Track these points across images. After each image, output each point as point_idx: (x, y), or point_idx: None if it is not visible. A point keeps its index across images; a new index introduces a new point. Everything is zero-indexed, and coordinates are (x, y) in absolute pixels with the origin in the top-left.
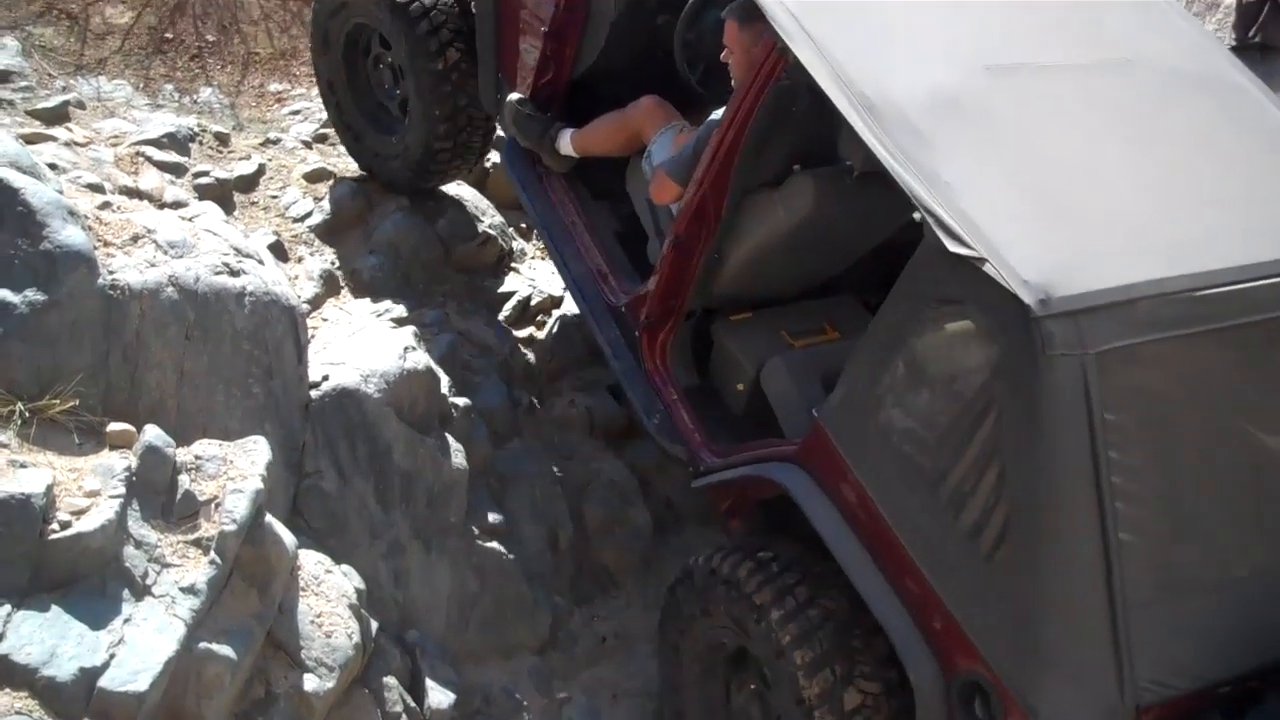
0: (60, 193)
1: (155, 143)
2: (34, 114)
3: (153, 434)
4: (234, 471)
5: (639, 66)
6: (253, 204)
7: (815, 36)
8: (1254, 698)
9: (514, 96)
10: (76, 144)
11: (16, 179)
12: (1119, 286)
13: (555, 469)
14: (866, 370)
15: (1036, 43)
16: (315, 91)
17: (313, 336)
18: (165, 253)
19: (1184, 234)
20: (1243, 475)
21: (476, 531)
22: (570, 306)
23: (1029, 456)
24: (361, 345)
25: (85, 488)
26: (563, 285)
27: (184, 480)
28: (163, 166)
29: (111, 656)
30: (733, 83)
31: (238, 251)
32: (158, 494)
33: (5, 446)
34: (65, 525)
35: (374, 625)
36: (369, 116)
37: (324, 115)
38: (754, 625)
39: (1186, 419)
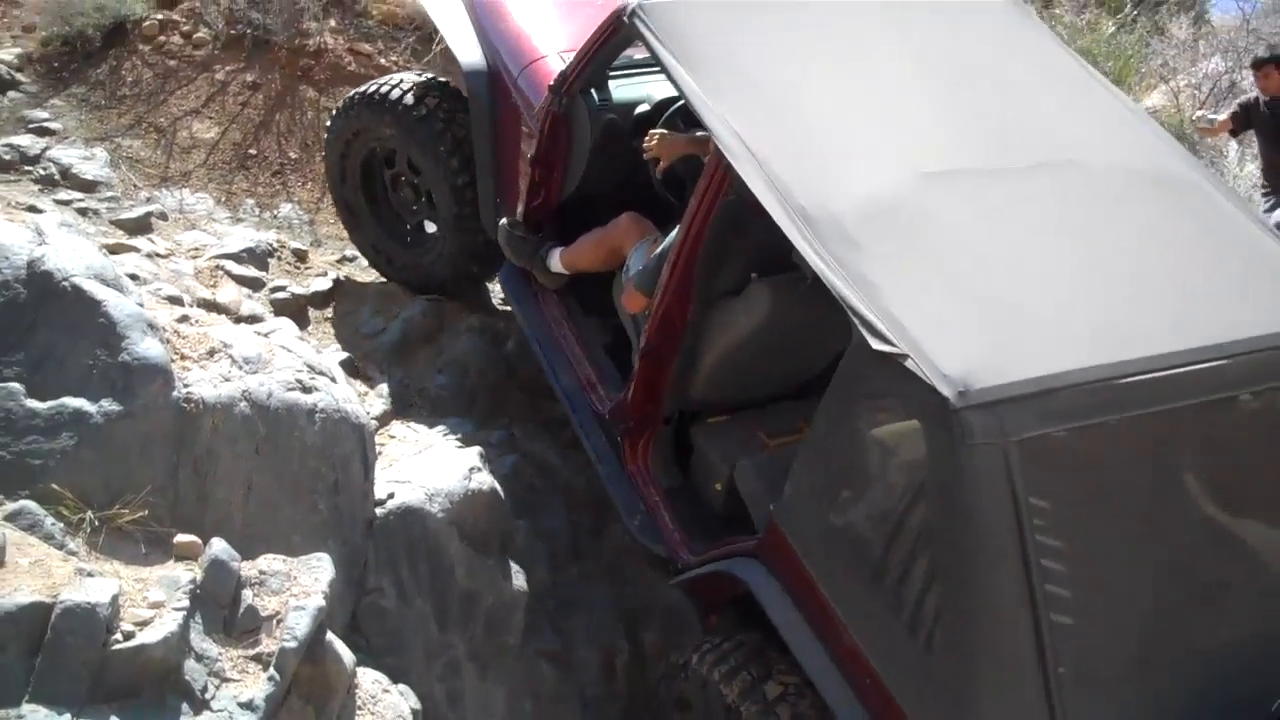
0: (141, 305)
1: (234, 257)
2: (118, 224)
3: (219, 547)
4: (297, 588)
5: (621, 185)
6: (326, 320)
7: (756, 153)
8: None
9: (505, 221)
10: (158, 255)
11: (100, 291)
12: (1038, 377)
13: (613, 594)
14: (810, 467)
15: (979, 147)
16: None
17: (380, 453)
18: (240, 367)
19: (1111, 325)
20: (1179, 554)
21: (533, 655)
22: None
23: (957, 544)
24: (427, 464)
25: (150, 598)
26: None
27: (247, 595)
28: (241, 280)
29: None
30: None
31: (311, 368)
32: (221, 607)
33: (74, 554)
34: (129, 636)
35: None
36: (394, 236)
37: None
38: (725, 717)
39: (1113, 502)
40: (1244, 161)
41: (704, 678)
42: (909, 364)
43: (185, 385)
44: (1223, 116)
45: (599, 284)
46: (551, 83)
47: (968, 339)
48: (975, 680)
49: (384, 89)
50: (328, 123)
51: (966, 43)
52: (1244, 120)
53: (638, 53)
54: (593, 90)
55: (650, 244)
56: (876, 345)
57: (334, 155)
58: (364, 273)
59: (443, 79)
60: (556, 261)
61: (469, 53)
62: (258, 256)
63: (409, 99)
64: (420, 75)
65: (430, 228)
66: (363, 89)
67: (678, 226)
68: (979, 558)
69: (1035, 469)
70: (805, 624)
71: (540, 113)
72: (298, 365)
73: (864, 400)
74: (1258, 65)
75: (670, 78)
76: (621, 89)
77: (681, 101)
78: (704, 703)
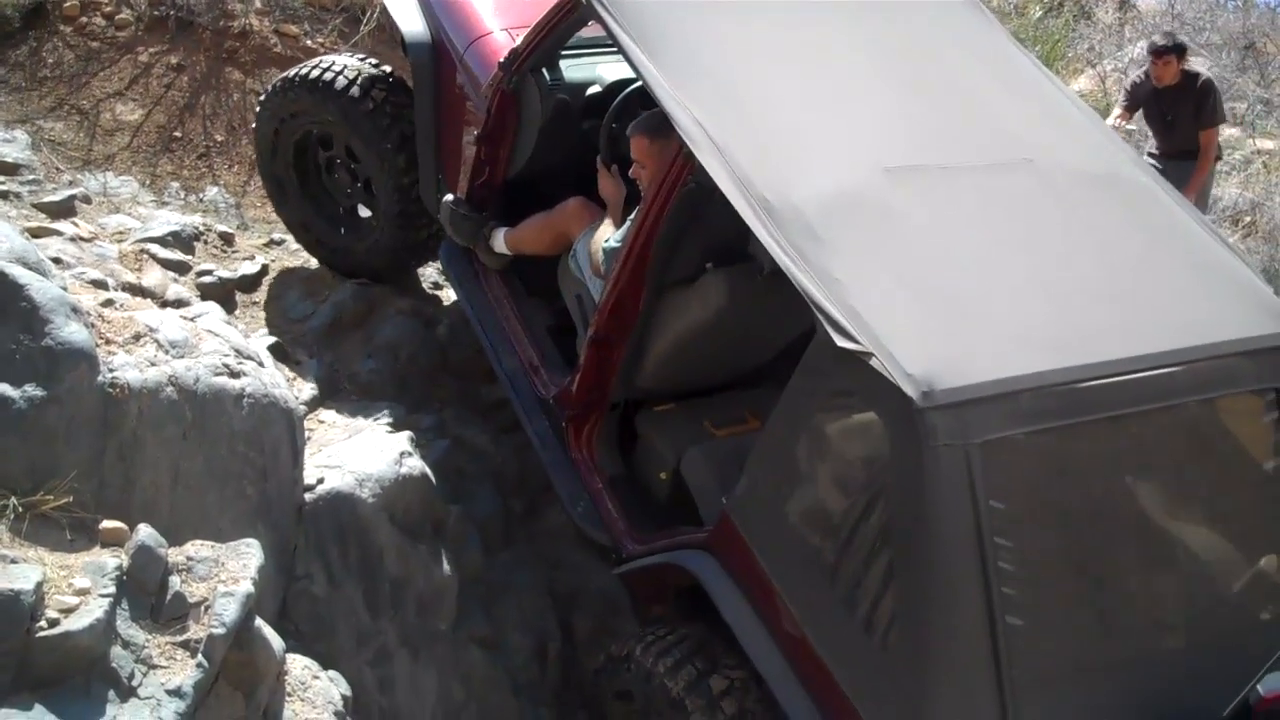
0: (64, 289)
1: (160, 240)
2: (40, 207)
3: (145, 533)
4: (225, 574)
5: (568, 167)
6: (254, 304)
7: (719, 142)
8: None
9: (449, 198)
10: (82, 239)
11: (22, 275)
12: (1002, 379)
13: (546, 579)
14: (767, 461)
15: (938, 144)
16: None
17: (309, 438)
18: (166, 352)
19: (1071, 329)
20: (1131, 559)
21: (465, 640)
22: None
23: (916, 545)
24: (357, 449)
25: (75, 585)
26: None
27: (175, 581)
28: (166, 264)
29: None
30: (642, 192)
31: (238, 353)
32: (148, 594)
33: None
34: (54, 623)
35: None
36: (326, 217)
37: None
38: (671, 711)
39: (1072, 504)
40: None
41: (648, 670)
42: (873, 363)
43: (110, 370)
44: (1117, 112)
45: (543, 266)
46: (502, 59)
47: (931, 339)
48: (929, 680)
49: (328, 75)
50: (260, 97)
51: (926, 41)
52: (1133, 105)
53: (590, 32)
54: (544, 69)
55: (598, 229)
56: (841, 342)
57: (265, 130)
58: (292, 256)
59: (387, 68)
60: (501, 242)
61: (412, 23)
62: (183, 240)
63: (355, 91)
64: (362, 61)
65: (365, 213)
66: (303, 71)
67: (634, 213)
68: (938, 559)
69: (996, 471)
70: (756, 618)
71: (489, 90)
72: (225, 349)
73: (826, 397)
74: (1159, 53)
75: (628, 61)
76: (573, 69)
77: (637, 85)
78: (646, 695)
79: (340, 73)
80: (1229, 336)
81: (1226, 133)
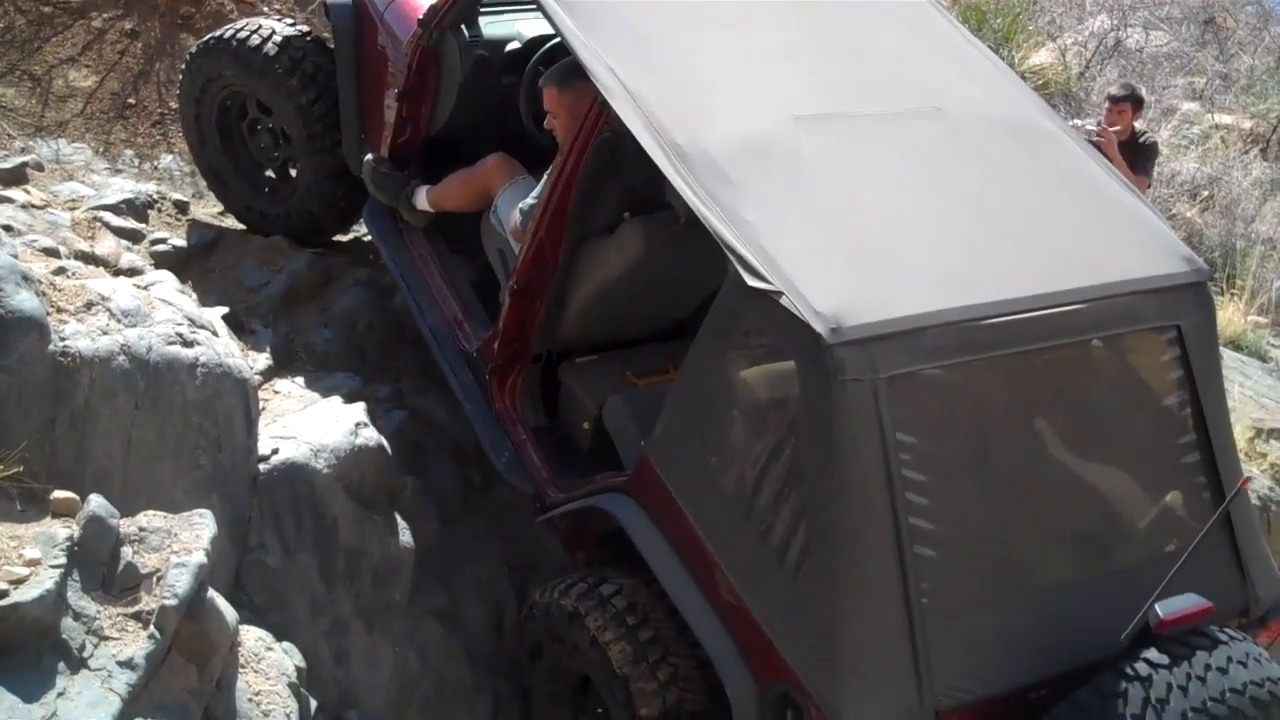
0: (15, 256)
1: (113, 208)
2: None
3: (97, 504)
4: (178, 545)
5: (490, 124)
6: (209, 273)
7: (633, 90)
8: (1050, 704)
9: (371, 156)
10: (34, 206)
11: None
12: (908, 316)
13: (502, 551)
14: (683, 404)
15: (848, 95)
16: None
17: (264, 409)
18: (118, 321)
19: (975, 269)
20: (1036, 491)
21: (421, 611)
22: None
23: (826, 476)
24: (312, 419)
25: (25, 556)
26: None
27: (126, 552)
28: (120, 232)
29: None
30: (559, 143)
31: (191, 322)
32: (99, 565)
33: None
34: (3, 594)
35: (313, 704)
36: (248, 178)
37: None
38: (591, 651)
39: (979, 438)
40: None
41: (568, 611)
42: (783, 301)
43: (62, 339)
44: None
45: (466, 223)
46: (421, 16)
47: (840, 278)
48: (840, 610)
49: (246, 37)
50: (178, 90)
51: (840, 2)
52: None
53: None
54: (463, 26)
55: (518, 185)
56: (752, 282)
57: (188, 94)
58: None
59: (305, 29)
60: (423, 199)
61: None
62: (137, 208)
63: (272, 50)
64: (280, 22)
65: (293, 173)
66: (222, 34)
67: (550, 166)
68: (847, 490)
69: (903, 405)
70: (675, 557)
71: (408, 47)
72: (178, 319)
73: (737, 336)
74: (1115, 100)
75: (546, 15)
76: (492, 25)
77: (555, 40)
78: (566, 639)
79: (257, 33)
80: (1131, 276)
81: (1185, 106)
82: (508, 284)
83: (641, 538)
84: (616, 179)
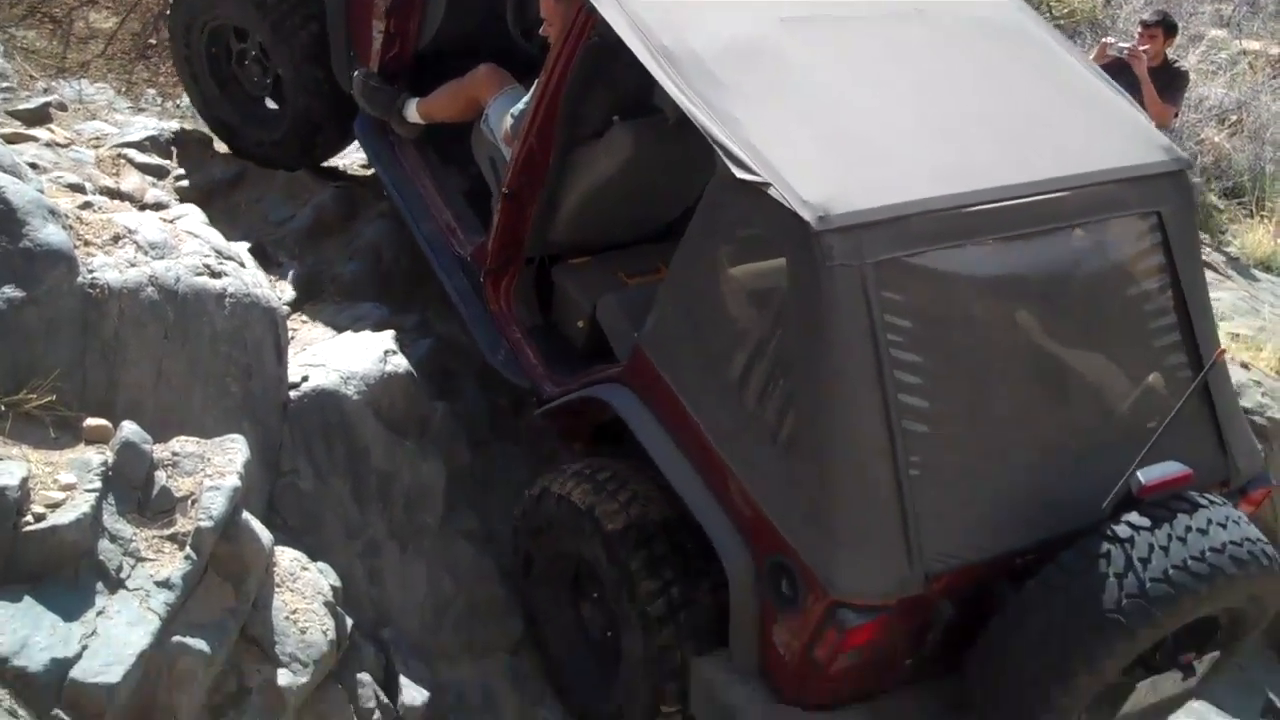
0: (41, 192)
1: (137, 145)
2: (15, 114)
3: (130, 430)
4: (211, 469)
5: (479, 36)
6: (234, 208)
7: None
8: (1036, 569)
9: (360, 71)
10: (58, 145)
11: None
12: (894, 204)
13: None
14: (675, 295)
15: None
16: None
17: (292, 338)
18: (146, 253)
19: (959, 160)
20: (1021, 370)
21: (453, 534)
22: None
23: (817, 359)
24: (341, 348)
25: (61, 481)
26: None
27: (160, 476)
28: (144, 169)
29: (84, 648)
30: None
31: (218, 253)
32: (134, 489)
33: None
34: (40, 518)
35: (349, 622)
36: (251, 116)
37: None
38: (591, 538)
39: (965, 321)
40: None
41: (564, 496)
42: (771, 191)
43: (90, 271)
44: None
45: (457, 134)
46: None
47: (826, 170)
48: (831, 481)
49: None
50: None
51: None
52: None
53: None
54: None
55: (509, 95)
56: (740, 174)
57: (188, 79)
58: None
59: None
60: (413, 111)
61: None
62: (161, 145)
63: None
64: None
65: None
66: None
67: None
68: (837, 371)
69: (889, 290)
70: (670, 441)
71: None
72: (205, 250)
73: (727, 228)
74: (1147, 26)
75: None
76: None
77: None
78: (564, 525)
79: None
80: (1112, 165)
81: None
82: (499, 189)
83: (637, 424)
84: (605, 84)
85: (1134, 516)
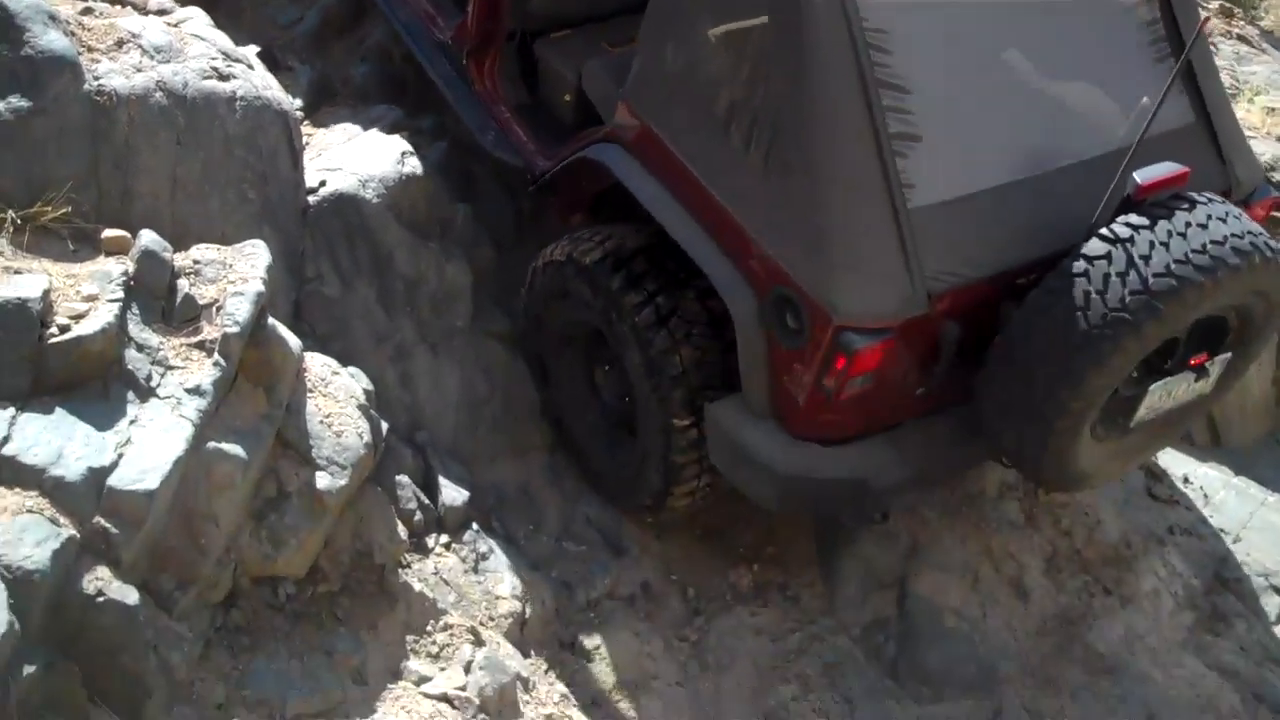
0: None
1: None
2: None
3: (149, 239)
4: (234, 275)
5: None
6: (240, 12)
7: None
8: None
9: None
10: None
11: None
12: None
13: None
14: (654, 40)
15: None
16: None
17: (307, 143)
18: (151, 57)
19: None
20: (1011, 88)
21: (482, 335)
22: None
23: (804, 88)
24: (357, 151)
25: (83, 293)
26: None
27: (183, 285)
28: None
29: (120, 456)
30: None
31: (226, 56)
32: (157, 298)
33: None
34: (64, 329)
35: (384, 425)
36: None
37: None
38: (576, 280)
39: (953, 42)
40: None
41: (550, 260)
42: None
43: (96, 78)
44: None
45: None
46: None
47: None
48: (826, 208)
49: None
50: None
51: None
52: None
53: None
54: None
55: None
56: None
57: None
58: None
59: None
60: None
61: None
62: None
63: None
64: None
65: None
66: None
67: None
68: (825, 98)
69: (873, 13)
70: (665, 191)
71: None
72: (212, 53)
73: None
74: None
75: None
76: None
77: None
78: (554, 289)
79: None
80: None
81: None
82: None
83: (628, 176)
84: None
85: (1132, 217)
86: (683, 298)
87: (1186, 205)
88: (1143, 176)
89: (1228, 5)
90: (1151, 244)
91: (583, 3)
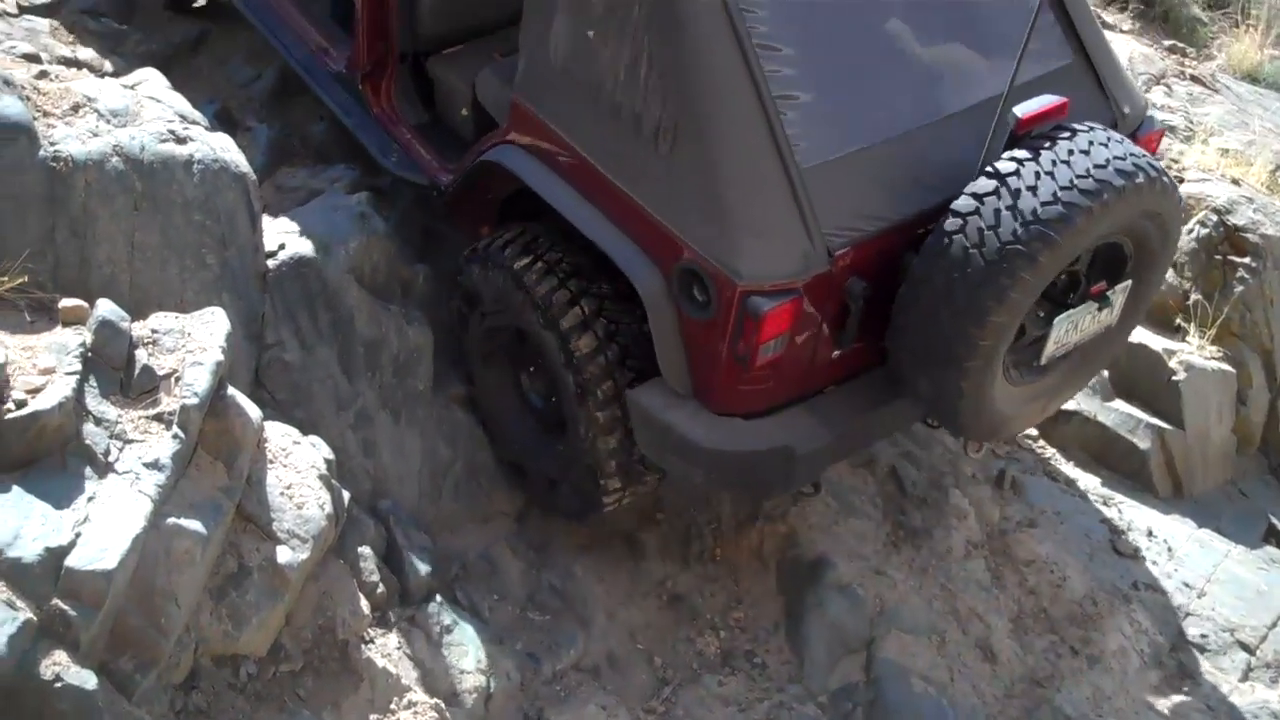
0: None
1: (92, 12)
2: None
3: (106, 308)
4: (192, 344)
5: None
6: (197, 72)
7: None
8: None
9: None
10: (9, 14)
11: None
12: None
13: None
14: (535, 34)
15: None
16: None
17: (266, 205)
18: (108, 121)
19: None
20: (892, 43)
21: (445, 400)
22: None
23: (679, 48)
24: (316, 212)
25: (40, 365)
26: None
27: (141, 355)
28: (102, 35)
29: (78, 535)
30: None
31: (183, 118)
32: (115, 369)
33: None
34: (21, 404)
35: (346, 496)
36: None
37: None
38: (519, 296)
39: (825, 8)
40: None
41: (492, 260)
42: None
43: (52, 143)
44: None
45: None
46: None
47: None
48: (717, 176)
49: None
50: None
51: None
52: None
53: None
54: None
55: None
56: None
57: None
58: (233, 20)
59: None
60: None
61: None
62: (118, 9)
63: None
64: None
65: None
66: None
67: None
68: (701, 64)
69: None
70: (563, 181)
71: None
72: (169, 116)
73: None
74: None
75: None
76: None
77: None
78: (473, 290)
79: None
80: None
81: None
82: None
83: (528, 174)
84: None
85: (1017, 151)
86: (596, 286)
87: (1068, 134)
88: (1022, 110)
89: (1179, 45)
90: (1037, 174)
91: (470, 19)
